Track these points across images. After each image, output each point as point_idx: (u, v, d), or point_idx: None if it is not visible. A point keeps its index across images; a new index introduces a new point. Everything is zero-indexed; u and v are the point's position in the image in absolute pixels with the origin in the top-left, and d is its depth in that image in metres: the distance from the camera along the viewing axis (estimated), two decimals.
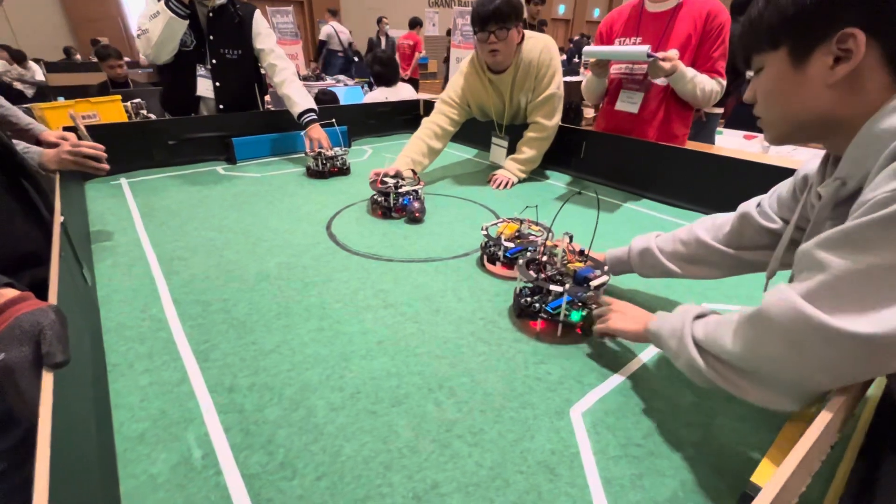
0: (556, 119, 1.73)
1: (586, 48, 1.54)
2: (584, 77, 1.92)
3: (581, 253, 0.92)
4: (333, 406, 0.69)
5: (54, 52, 7.25)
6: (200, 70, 1.92)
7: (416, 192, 1.42)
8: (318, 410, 0.68)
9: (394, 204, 1.40)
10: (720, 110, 2.76)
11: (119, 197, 1.53)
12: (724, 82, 1.54)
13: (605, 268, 0.87)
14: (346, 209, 1.47)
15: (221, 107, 2.02)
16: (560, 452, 0.62)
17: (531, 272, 0.87)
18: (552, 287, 0.81)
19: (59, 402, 0.43)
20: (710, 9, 1.49)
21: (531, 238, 1.08)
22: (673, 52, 1.43)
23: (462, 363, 0.78)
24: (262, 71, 2.13)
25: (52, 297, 0.57)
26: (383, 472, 0.58)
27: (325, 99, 3.39)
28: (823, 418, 0.43)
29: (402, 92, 3.12)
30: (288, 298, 0.96)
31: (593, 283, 0.82)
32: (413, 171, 1.55)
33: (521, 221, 1.14)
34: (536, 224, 1.14)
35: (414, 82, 6.20)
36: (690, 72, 1.48)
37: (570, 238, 0.92)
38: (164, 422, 0.65)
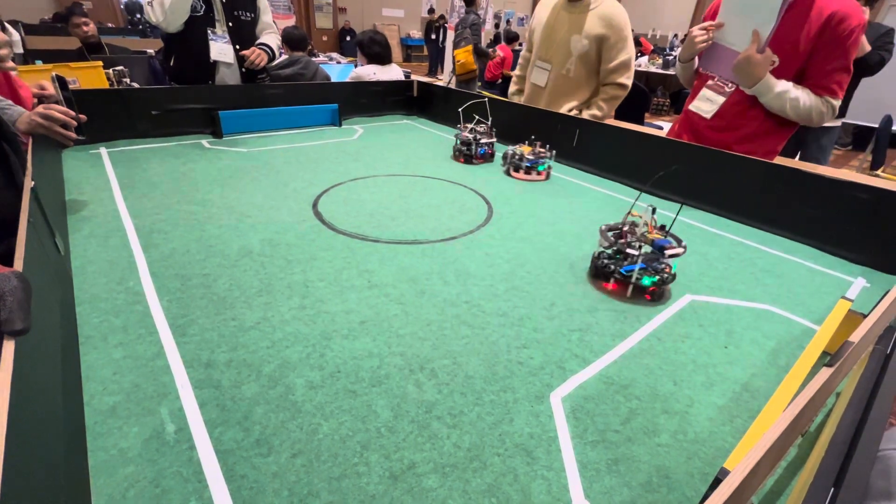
0: (631, 81, 1.98)
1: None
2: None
3: (662, 228, 0.96)
4: (312, 384, 0.68)
5: (33, 14, 6.95)
6: (212, 35, 1.91)
7: (491, 144, 1.81)
8: (296, 388, 0.67)
9: (475, 152, 1.78)
10: (832, 123, 2.54)
11: (98, 166, 1.48)
12: (835, 102, 1.31)
13: (683, 243, 0.92)
14: (334, 188, 1.44)
15: (244, 70, 2.06)
16: (538, 436, 0.62)
17: (611, 236, 0.94)
18: (629, 250, 0.90)
19: (19, 371, 0.41)
20: (838, 9, 1.21)
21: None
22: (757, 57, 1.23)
23: (444, 345, 0.78)
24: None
25: (18, 264, 0.55)
26: (360, 451, 0.58)
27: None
28: (795, 407, 0.43)
29: (392, 72, 3.09)
30: (270, 275, 0.95)
31: (668, 253, 0.89)
32: (490, 126, 1.87)
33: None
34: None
35: (491, 85, 5.92)
36: (781, 85, 1.29)
37: (654, 210, 0.94)
38: (137, 396, 0.64)
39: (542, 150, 1.68)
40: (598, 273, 0.98)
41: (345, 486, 0.54)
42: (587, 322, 0.86)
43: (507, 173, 1.69)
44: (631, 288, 0.93)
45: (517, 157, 1.65)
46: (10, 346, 0.43)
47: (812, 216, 1.24)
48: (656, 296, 0.93)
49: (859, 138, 6.10)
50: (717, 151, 1.40)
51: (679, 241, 0.93)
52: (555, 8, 2.01)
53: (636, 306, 0.92)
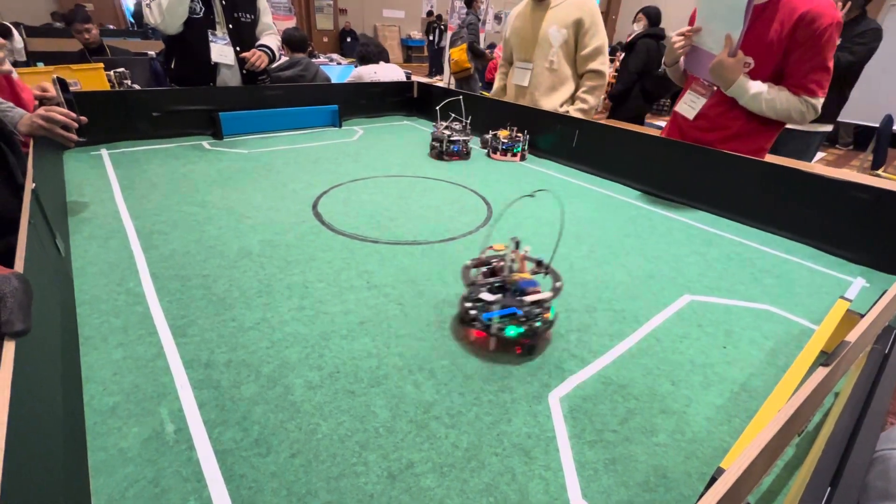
0: (607, 67, 2.03)
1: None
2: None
3: (539, 263, 0.83)
4: (311, 385, 0.68)
5: (34, 17, 6.98)
6: (212, 37, 1.93)
7: (465, 141, 1.82)
8: (295, 389, 0.67)
9: (445, 149, 1.80)
10: (825, 127, 2.48)
11: (99, 168, 1.48)
12: (815, 101, 1.30)
13: (558, 283, 0.79)
14: (334, 189, 1.44)
15: (244, 72, 2.07)
16: (536, 436, 0.62)
17: (474, 274, 0.80)
18: (483, 295, 0.75)
19: (20, 371, 0.41)
20: (809, 9, 1.21)
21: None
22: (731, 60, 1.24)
23: (443, 346, 0.78)
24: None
25: (19, 265, 0.55)
26: (359, 450, 0.58)
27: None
28: (790, 407, 0.43)
29: (391, 69, 3.11)
30: (270, 276, 0.95)
31: (527, 299, 0.73)
32: (465, 122, 1.91)
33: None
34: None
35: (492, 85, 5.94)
36: (756, 86, 1.30)
37: (517, 244, 0.80)
38: (136, 396, 0.64)
39: (519, 134, 1.85)
40: (462, 319, 0.80)
41: (343, 485, 0.54)
42: (585, 322, 0.86)
43: (488, 155, 1.90)
44: (493, 340, 0.76)
45: (495, 139, 1.85)
46: (10, 347, 0.43)
47: (812, 216, 1.24)
48: (527, 349, 0.77)
49: (860, 138, 6.09)
50: (716, 151, 1.40)
51: (557, 278, 0.79)
52: (522, 14, 2.12)
53: (504, 366, 0.74)
